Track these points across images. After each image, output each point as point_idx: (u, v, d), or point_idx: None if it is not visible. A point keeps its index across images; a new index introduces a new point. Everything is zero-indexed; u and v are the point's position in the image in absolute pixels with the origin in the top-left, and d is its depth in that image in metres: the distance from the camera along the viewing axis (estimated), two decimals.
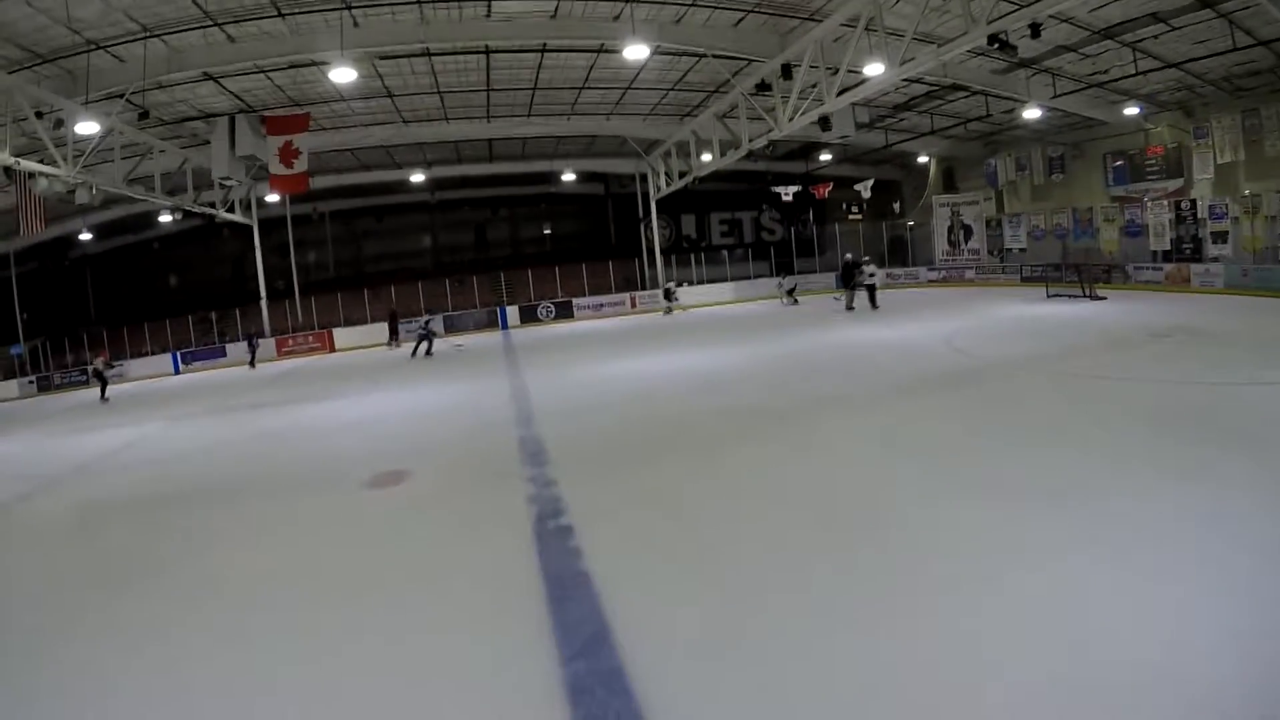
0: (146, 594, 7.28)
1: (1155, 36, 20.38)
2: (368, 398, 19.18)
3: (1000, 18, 14.29)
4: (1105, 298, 23.87)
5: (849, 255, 30.20)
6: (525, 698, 4.83)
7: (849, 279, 28.23)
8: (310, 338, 35.92)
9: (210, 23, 17.25)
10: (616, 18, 19.06)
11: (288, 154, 23.27)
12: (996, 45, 14.52)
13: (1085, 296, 24.47)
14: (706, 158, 29.05)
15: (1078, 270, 26.40)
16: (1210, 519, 6.40)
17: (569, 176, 39.36)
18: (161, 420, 19.48)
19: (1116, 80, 23.98)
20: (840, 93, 18.83)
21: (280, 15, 17.38)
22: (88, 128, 18.23)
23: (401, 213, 43.77)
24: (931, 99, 28.63)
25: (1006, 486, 7.76)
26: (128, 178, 23.00)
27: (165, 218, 30.72)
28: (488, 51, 21.38)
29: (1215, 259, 25.14)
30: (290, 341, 35.49)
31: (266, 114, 23.62)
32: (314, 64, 20.12)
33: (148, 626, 6.52)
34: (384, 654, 5.55)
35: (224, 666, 5.62)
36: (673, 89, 27.05)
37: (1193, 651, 4.57)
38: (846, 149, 36.35)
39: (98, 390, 28.09)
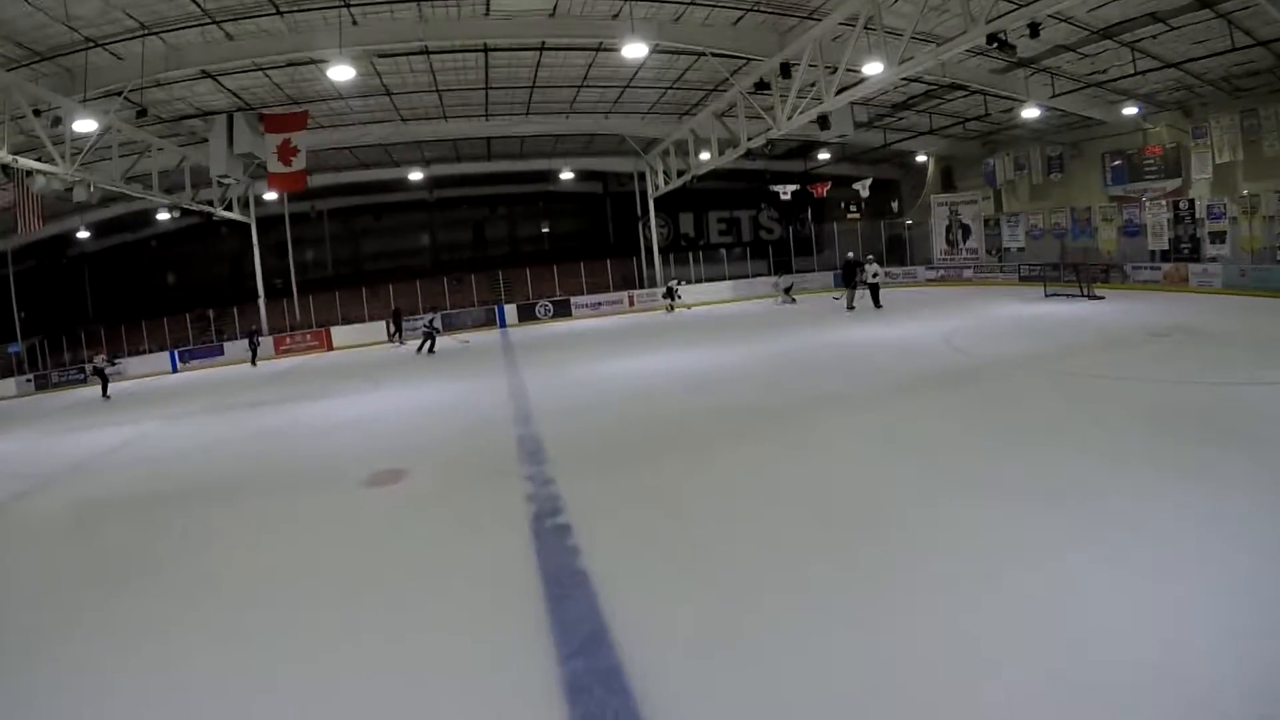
0: (144, 592, 7.27)
1: (1154, 36, 20.37)
2: (366, 396, 19.18)
3: (999, 17, 14.28)
4: (1103, 297, 23.87)
5: (850, 254, 30.16)
6: (523, 696, 4.83)
7: (850, 278, 28.16)
8: (308, 336, 35.90)
9: (209, 20, 17.22)
10: (615, 16, 19.04)
11: (286, 152, 23.21)
12: (995, 44, 14.51)
13: (1083, 296, 24.46)
14: (705, 156, 29.04)
15: (1076, 270, 26.39)
16: (1209, 518, 6.40)
17: (567, 175, 39.35)
18: (159, 419, 19.48)
19: (1115, 80, 23.98)
20: (839, 92, 18.81)
21: (279, 13, 17.35)
22: (86, 125, 18.20)
23: (400, 211, 43.77)
24: (930, 98, 28.62)
25: (1005, 485, 7.77)
26: (125, 175, 22.94)
27: (163, 216, 30.62)
28: (486, 50, 21.36)
29: (1213, 259, 25.14)
30: (288, 340, 35.47)
31: (265, 112, 23.56)
32: (312, 62, 20.12)
33: (145, 625, 6.52)
34: (382, 652, 5.54)
35: (222, 665, 5.61)
36: (671, 87, 27.04)
37: (1192, 651, 4.57)
38: (845, 148, 36.33)
39: (96, 388, 28.19)
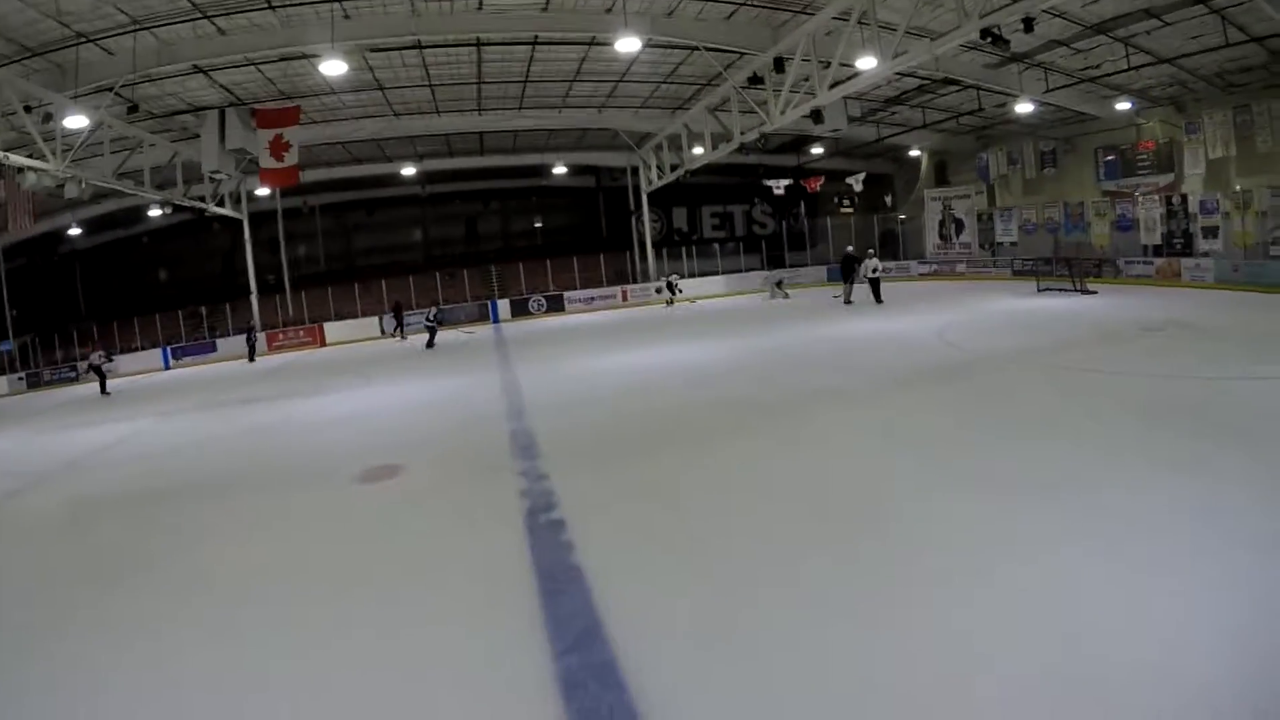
0: (137, 589, 7.25)
1: (1148, 32, 20.40)
2: (359, 392, 19.14)
3: (993, 11, 14.27)
4: (1096, 292, 23.88)
5: (850, 248, 30.06)
6: (518, 692, 4.82)
7: (848, 272, 28.09)
8: (301, 332, 35.80)
9: (200, 15, 17.18)
10: (609, 10, 19.04)
11: (278, 147, 23.15)
12: (989, 39, 14.51)
13: (1076, 290, 24.46)
14: (698, 151, 29.05)
15: (1069, 264, 26.38)
16: (1203, 512, 6.41)
17: (560, 170, 39.37)
18: (152, 416, 19.41)
19: (1109, 75, 24.00)
20: (832, 86, 18.80)
21: (270, 7, 17.32)
22: (77, 121, 18.15)
23: (392, 206, 43.63)
24: (923, 93, 28.66)
25: (999, 479, 7.78)
26: (117, 172, 22.87)
27: (155, 212, 30.61)
28: (479, 44, 21.34)
29: (1206, 254, 25.17)
30: (281, 336, 35.37)
31: (257, 107, 23.50)
32: (304, 56, 20.07)
33: (139, 622, 6.50)
34: (376, 649, 5.53)
35: (215, 661, 5.60)
36: (664, 82, 27.03)
37: (1187, 645, 4.57)
38: (838, 142, 36.34)
39: (90, 386, 28.09)
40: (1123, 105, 26.70)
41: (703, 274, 40.07)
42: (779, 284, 35.40)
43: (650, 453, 10.40)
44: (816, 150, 38.24)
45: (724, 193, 45.38)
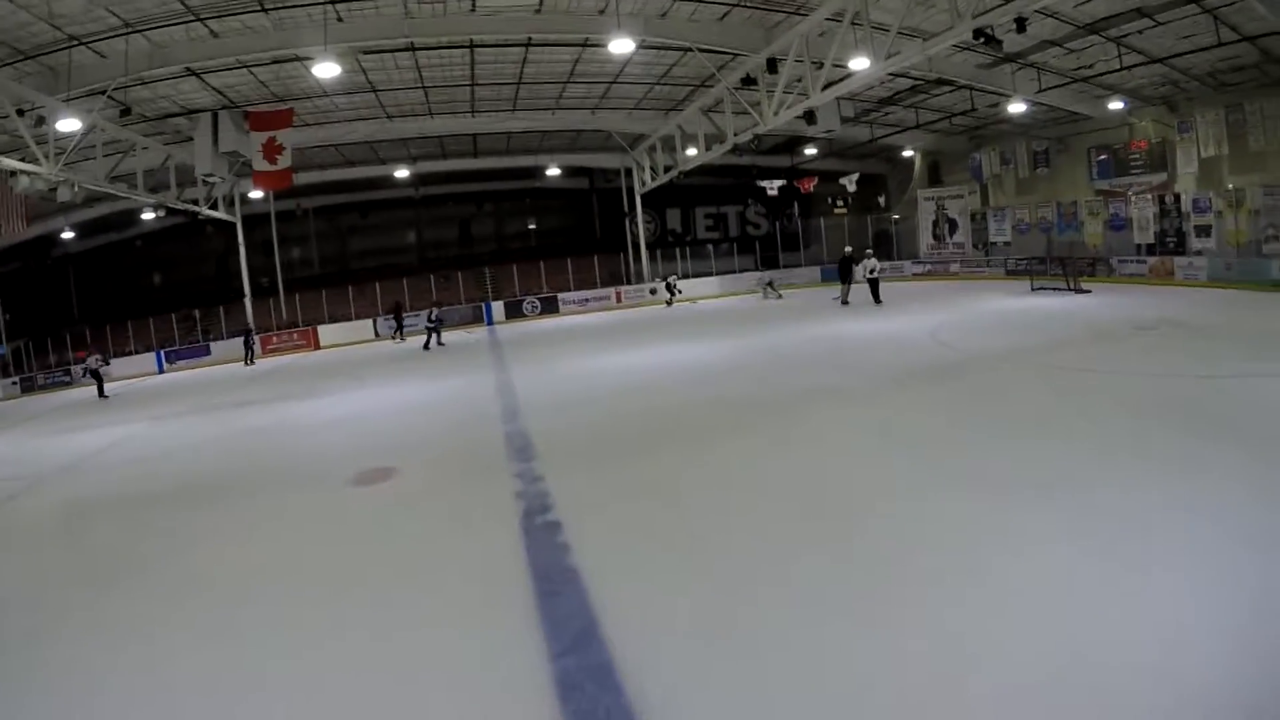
0: (132, 592, 7.25)
1: (1140, 32, 20.43)
2: (353, 395, 19.13)
3: (986, 12, 14.29)
4: (1089, 291, 23.91)
5: (848, 248, 30.01)
6: (514, 694, 4.83)
7: (846, 273, 28.03)
8: (295, 335, 35.75)
9: (193, 17, 17.13)
10: (602, 11, 19.01)
11: (271, 150, 23.12)
12: (982, 40, 14.53)
13: (1070, 290, 24.49)
14: (691, 152, 29.04)
15: (1062, 263, 26.41)
16: (1197, 510, 6.44)
17: (554, 171, 39.36)
18: (147, 419, 19.37)
19: (1101, 75, 24.03)
20: (825, 87, 18.81)
21: (263, 10, 17.27)
22: (69, 125, 18.08)
23: (386, 208, 43.62)
24: (916, 93, 28.67)
25: (993, 478, 7.80)
26: (110, 175, 22.80)
27: (148, 215, 30.56)
28: (472, 46, 21.31)
29: (1199, 252, 25.23)
30: (275, 339, 35.31)
31: (250, 109, 23.45)
32: (297, 59, 20.02)
33: (133, 625, 6.50)
34: (371, 651, 5.53)
35: (210, 664, 5.60)
36: (658, 83, 27.02)
37: (1182, 643, 4.59)
38: (831, 143, 36.28)
39: (84, 390, 28.05)
40: (1115, 105, 26.75)
41: (697, 275, 40.05)
42: (770, 284, 35.41)
43: (646, 452, 10.42)
44: (810, 151, 38.20)
45: (718, 194, 45.46)
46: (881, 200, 42.25)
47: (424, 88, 24.98)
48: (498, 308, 37.72)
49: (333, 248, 44.48)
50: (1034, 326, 18.35)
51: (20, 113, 16.82)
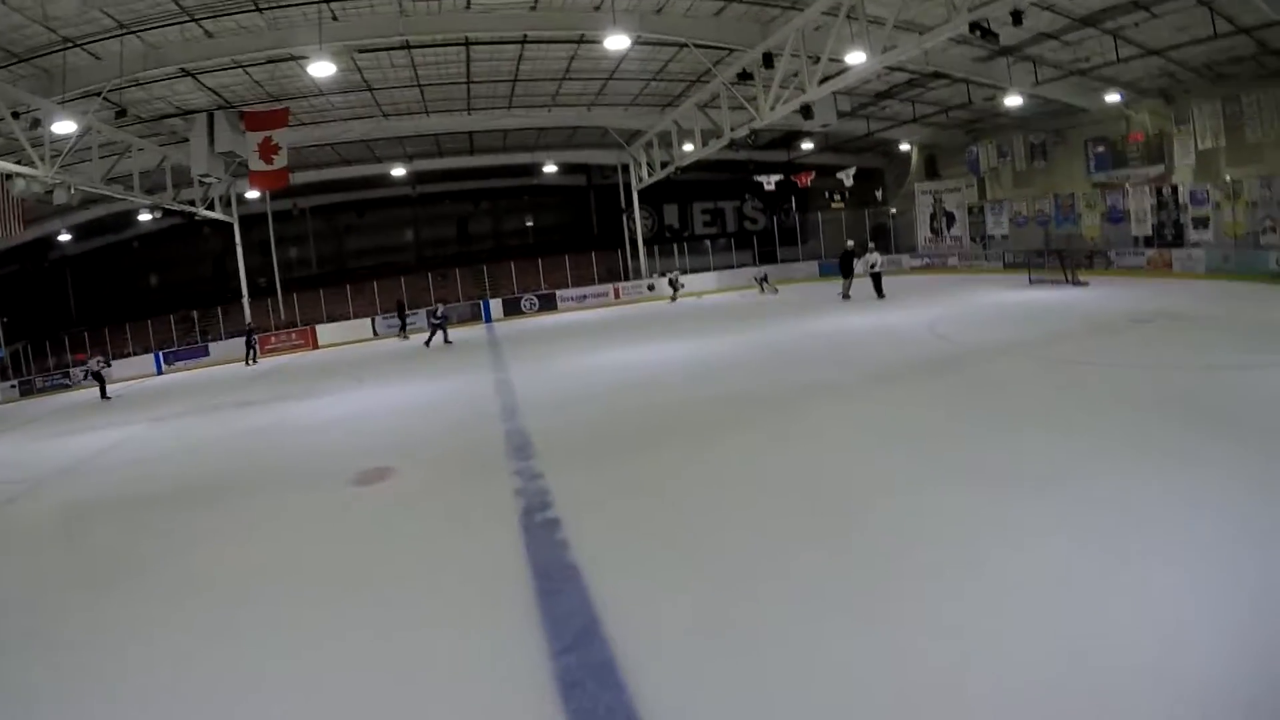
0: (131, 594, 7.23)
1: (1136, 24, 20.41)
2: (352, 394, 19.11)
3: (982, 5, 14.28)
4: (1087, 283, 23.91)
5: (851, 243, 29.94)
6: (516, 692, 4.81)
7: (847, 268, 27.96)
8: (294, 335, 35.74)
9: (187, 18, 17.12)
10: (597, 8, 19.01)
11: (267, 150, 23.15)
12: (978, 33, 14.52)
13: (1067, 282, 24.50)
14: (688, 147, 29.08)
15: (1060, 256, 26.42)
16: (1195, 502, 6.42)
17: (551, 168, 39.39)
18: (146, 421, 19.35)
19: (1098, 67, 24.03)
20: (822, 81, 18.82)
21: (258, 10, 17.27)
22: (65, 127, 18.08)
23: (383, 207, 43.65)
24: (913, 87, 28.67)
25: (991, 472, 7.78)
26: (106, 177, 22.83)
27: (145, 217, 30.59)
28: (468, 43, 21.32)
29: (1196, 244, 25.24)
30: (273, 339, 35.29)
31: (245, 110, 23.48)
32: (292, 58, 20.03)
33: (133, 626, 6.49)
34: (371, 651, 5.52)
35: (210, 665, 5.58)
36: (654, 79, 27.03)
37: (1181, 638, 4.57)
38: (828, 137, 36.41)
39: (84, 392, 28.08)
40: (1112, 97, 26.71)
41: (695, 271, 40.06)
42: (764, 279, 35.44)
43: (645, 449, 10.41)
44: (807, 145, 38.21)
45: (715, 189, 45.50)
46: (879, 194, 42.24)
47: (420, 86, 24.98)
48: (496, 305, 37.77)
49: (330, 247, 44.49)
50: (1032, 319, 18.34)
51: (16, 115, 16.86)
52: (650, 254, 40.83)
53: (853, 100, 30.00)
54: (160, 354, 34.83)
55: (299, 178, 31.89)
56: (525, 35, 20.82)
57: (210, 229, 37.32)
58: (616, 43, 19.06)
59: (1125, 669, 4.32)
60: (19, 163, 18.00)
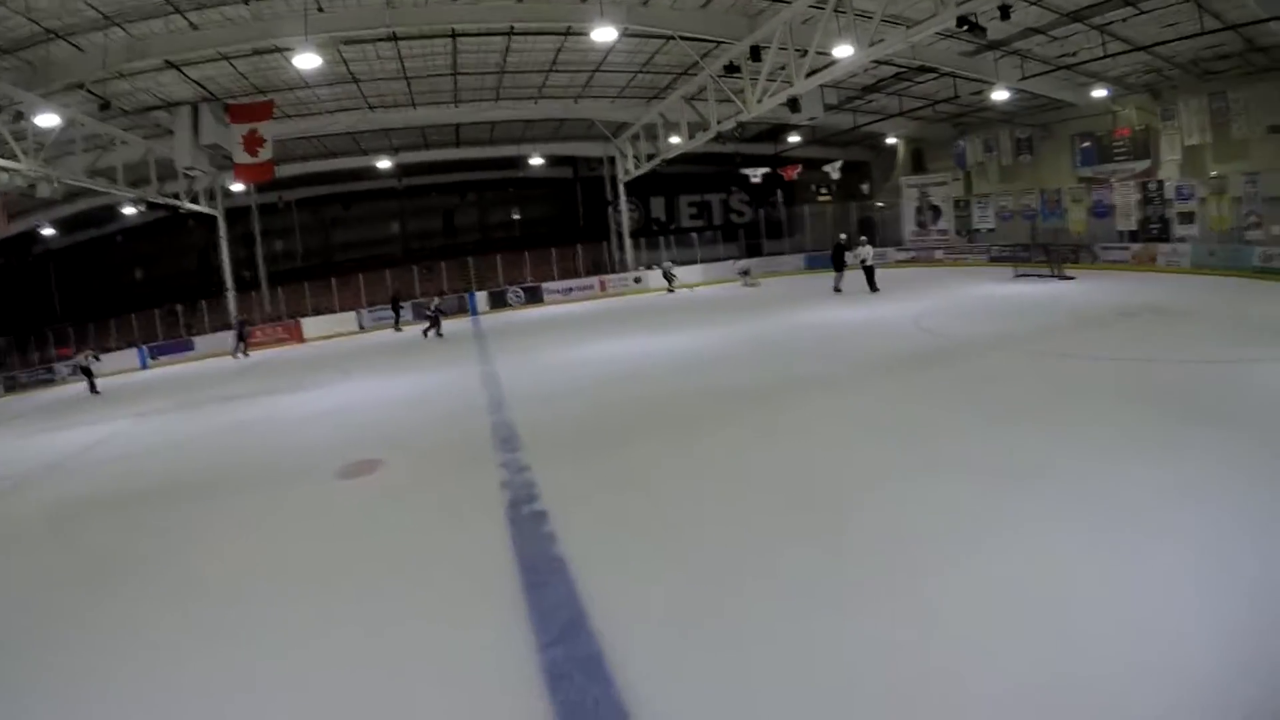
0: (121, 592, 7.19)
1: (1124, 19, 20.45)
2: (338, 388, 19.03)
3: None
4: (1073, 277, 24.02)
5: (843, 236, 29.89)
6: (503, 685, 4.81)
7: (839, 260, 27.90)
8: (279, 329, 35.55)
9: (172, 9, 17.01)
10: (584, 0, 18.95)
11: (252, 142, 23.02)
12: (966, 27, 14.55)
13: (1053, 276, 24.60)
14: (675, 140, 29.05)
15: (1046, 250, 26.58)
16: (1182, 494, 6.48)
17: (537, 160, 39.22)
18: (132, 416, 19.22)
19: (1085, 63, 24.07)
20: (809, 74, 18.82)
21: (243, 1, 17.17)
22: (48, 120, 17.95)
23: (369, 200, 43.36)
24: (900, 80, 28.65)
25: (978, 465, 7.81)
26: (90, 170, 22.71)
27: (129, 210, 30.39)
28: (454, 35, 21.23)
29: (1182, 239, 25.38)
30: (258, 333, 35.03)
31: (230, 102, 23.35)
32: (278, 50, 19.90)
33: (122, 625, 6.45)
34: (360, 644, 5.51)
35: (199, 662, 5.57)
36: (640, 71, 26.99)
37: (1170, 630, 4.61)
38: (815, 131, 36.34)
39: (71, 387, 27.86)
40: (1099, 92, 26.82)
41: (681, 263, 40.02)
42: (746, 272, 35.45)
43: (633, 442, 10.41)
44: (793, 138, 38.20)
45: (701, 182, 45.41)
46: (865, 187, 42.34)
47: (406, 78, 24.87)
48: (482, 298, 37.63)
49: (316, 240, 44.22)
50: (1018, 313, 18.42)
51: None
52: (637, 247, 40.78)
53: (840, 94, 29.99)
54: (144, 349, 34.58)
55: (284, 170, 31.77)
56: (512, 27, 20.74)
57: (195, 222, 36.98)
58: (604, 35, 19.04)
59: (1119, 662, 4.33)
60: (1, 156, 17.86)
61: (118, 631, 6.30)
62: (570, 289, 38.40)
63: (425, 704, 4.76)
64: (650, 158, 32.56)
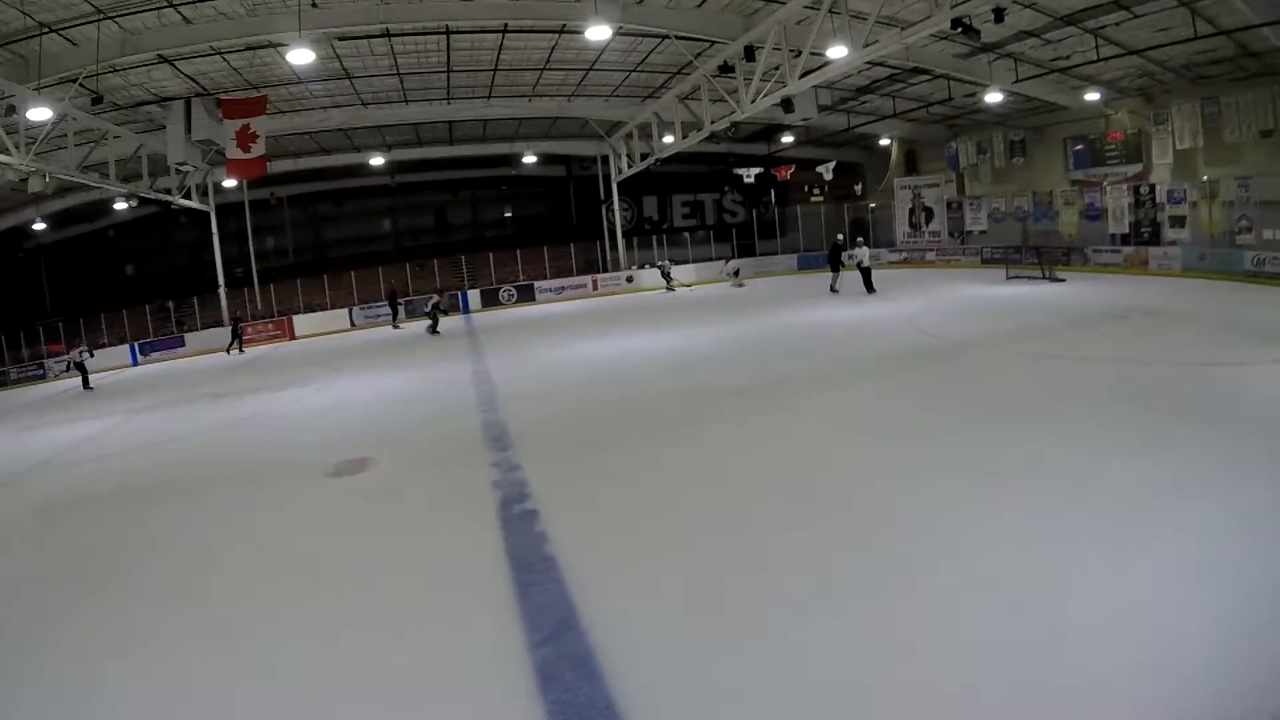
0: (111, 593, 7.17)
1: (1117, 23, 20.49)
2: (330, 385, 18.99)
3: (963, 2, 14.29)
4: (1064, 280, 24.12)
5: (840, 236, 29.85)
6: (495, 684, 4.81)
7: (836, 261, 27.87)
8: (270, 326, 35.45)
9: (165, 3, 16.93)
10: None
11: (245, 138, 22.91)
12: (960, 29, 14.54)
13: (1045, 278, 24.69)
14: (668, 139, 29.03)
15: (1038, 252, 26.62)
16: (1171, 494, 6.54)
17: (530, 159, 39.17)
18: (123, 413, 19.16)
19: (1078, 66, 24.13)
20: (803, 75, 18.81)
21: None
22: (40, 114, 17.83)
23: (361, 196, 43.26)
24: (894, 82, 28.67)
25: (970, 465, 7.85)
26: (82, 165, 22.60)
27: (121, 205, 30.33)
28: (448, 32, 21.17)
29: (1173, 243, 25.46)
30: (250, 330, 34.94)
31: (223, 97, 23.24)
32: (271, 45, 19.82)
33: (111, 624, 6.44)
34: (350, 644, 5.50)
35: (186, 661, 5.56)
36: (635, 70, 26.94)
37: (1163, 625, 4.62)
38: (809, 131, 36.39)
39: (55, 384, 27.75)
40: (1092, 96, 26.86)
41: (674, 263, 39.99)
42: (736, 273, 35.49)
43: (624, 440, 10.43)
44: (787, 139, 38.29)
45: (694, 181, 45.42)
46: (858, 188, 42.31)
47: (399, 74, 24.81)
48: (474, 296, 37.59)
49: (307, 237, 44.10)
50: (1010, 314, 18.46)
51: None
52: (629, 246, 40.77)
53: (834, 94, 29.97)
54: (136, 345, 34.44)
55: (277, 166, 31.66)
56: (506, 25, 20.69)
57: (187, 218, 36.93)
58: (598, 33, 19.00)
59: (1115, 661, 4.35)
60: None
61: (106, 629, 6.29)
62: (562, 288, 38.36)
63: (416, 703, 4.75)
64: (644, 157, 32.53)
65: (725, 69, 21.13)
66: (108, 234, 40.25)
